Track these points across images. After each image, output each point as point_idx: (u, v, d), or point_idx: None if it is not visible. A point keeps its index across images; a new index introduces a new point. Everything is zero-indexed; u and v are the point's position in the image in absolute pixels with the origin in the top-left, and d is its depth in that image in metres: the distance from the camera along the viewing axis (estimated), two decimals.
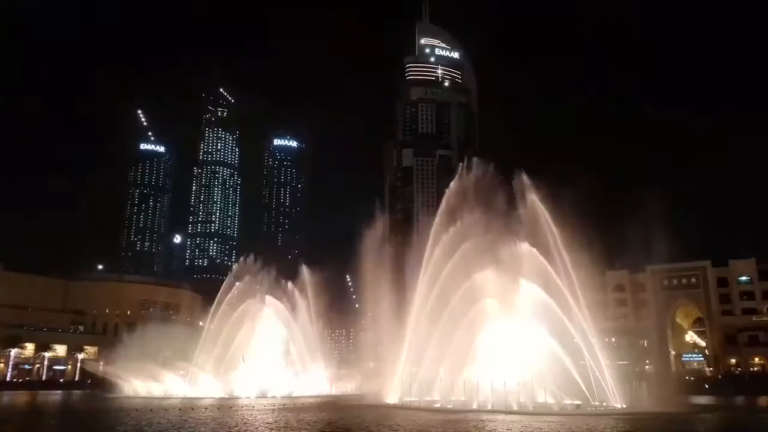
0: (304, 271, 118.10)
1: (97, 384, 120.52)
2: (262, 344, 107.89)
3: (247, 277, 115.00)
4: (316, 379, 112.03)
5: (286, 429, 48.52)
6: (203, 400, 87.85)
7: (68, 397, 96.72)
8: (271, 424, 52.65)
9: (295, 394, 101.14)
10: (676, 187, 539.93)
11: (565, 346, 70.22)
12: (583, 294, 72.07)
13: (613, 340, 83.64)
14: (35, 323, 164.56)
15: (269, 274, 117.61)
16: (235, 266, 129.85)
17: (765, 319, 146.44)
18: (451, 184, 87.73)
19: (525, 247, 72.56)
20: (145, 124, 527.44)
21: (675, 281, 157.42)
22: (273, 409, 68.89)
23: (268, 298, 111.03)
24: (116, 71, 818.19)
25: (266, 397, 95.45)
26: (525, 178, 76.14)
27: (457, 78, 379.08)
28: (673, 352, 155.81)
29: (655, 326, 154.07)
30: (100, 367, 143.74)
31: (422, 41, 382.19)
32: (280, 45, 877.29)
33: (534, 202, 74.84)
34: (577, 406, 67.16)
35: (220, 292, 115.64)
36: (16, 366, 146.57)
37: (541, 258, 71.36)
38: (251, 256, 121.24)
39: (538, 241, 73.01)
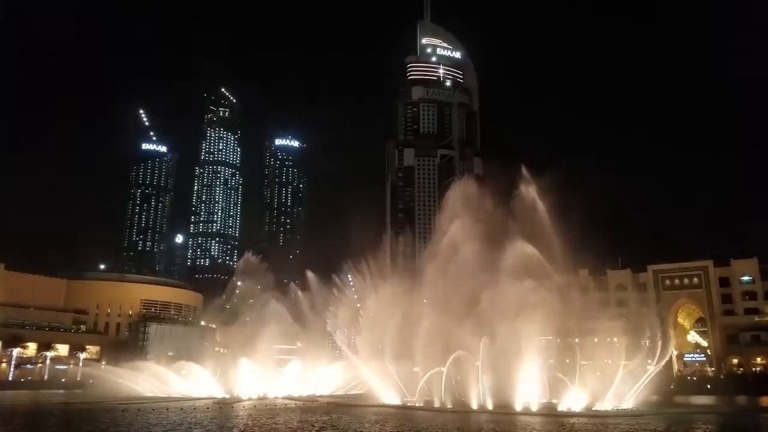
0: (310, 276, 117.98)
1: (98, 384, 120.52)
2: (266, 346, 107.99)
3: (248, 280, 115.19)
4: (317, 380, 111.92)
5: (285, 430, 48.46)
6: (205, 400, 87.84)
7: (70, 396, 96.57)
8: (267, 426, 52.59)
9: (295, 395, 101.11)
10: (679, 187, 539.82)
11: (566, 347, 70.19)
12: (585, 293, 72.01)
13: (615, 339, 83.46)
14: (37, 323, 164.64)
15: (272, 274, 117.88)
16: (237, 265, 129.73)
17: (767, 319, 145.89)
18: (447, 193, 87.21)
19: (528, 249, 72.35)
20: (146, 123, 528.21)
21: (677, 281, 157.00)
22: (273, 410, 68.83)
23: (273, 302, 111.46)
24: (117, 71, 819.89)
25: (267, 398, 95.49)
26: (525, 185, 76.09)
27: (459, 78, 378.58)
28: (675, 352, 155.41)
29: (656, 326, 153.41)
30: (102, 367, 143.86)
31: (424, 41, 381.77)
32: (282, 45, 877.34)
33: (536, 205, 74.72)
34: (580, 406, 67.00)
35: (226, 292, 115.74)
36: (18, 365, 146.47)
37: (543, 259, 71.27)
38: (256, 256, 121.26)
39: (538, 241, 72.92)
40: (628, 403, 69.41)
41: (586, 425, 50.61)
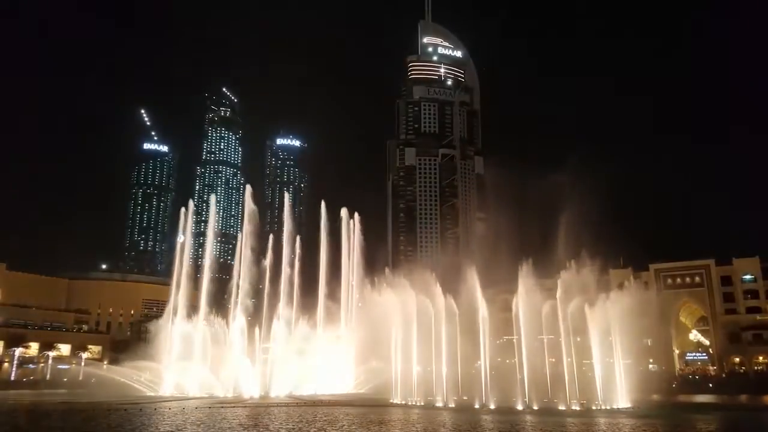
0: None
1: (100, 383, 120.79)
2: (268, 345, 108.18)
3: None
4: (319, 379, 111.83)
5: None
6: (207, 399, 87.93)
7: (71, 396, 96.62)
8: (261, 427, 52.54)
9: (296, 393, 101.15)
10: (680, 185, 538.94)
11: (568, 345, 70.14)
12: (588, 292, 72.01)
13: (617, 338, 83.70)
14: (39, 322, 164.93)
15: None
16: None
17: None
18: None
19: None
20: (148, 123, 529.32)
21: (678, 280, 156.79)
22: (274, 410, 68.80)
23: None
24: (119, 71, 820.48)
25: (269, 397, 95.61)
26: None
27: (460, 77, 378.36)
28: (677, 351, 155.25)
29: (658, 325, 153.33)
30: (104, 367, 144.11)
31: (425, 40, 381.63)
32: (283, 44, 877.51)
33: None
34: (582, 405, 66.96)
35: None
36: (20, 365, 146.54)
37: None
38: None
39: (540, 240, 72.87)
40: (629, 402, 69.34)
41: (584, 424, 50.56)
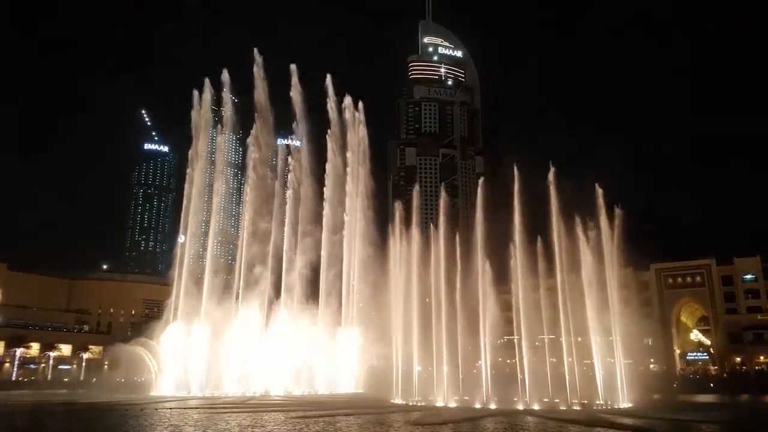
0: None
1: (103, 383, 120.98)
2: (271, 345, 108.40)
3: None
4: (320, 379, 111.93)
5: None
6: (207, 399, 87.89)
7: (72, 396, 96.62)
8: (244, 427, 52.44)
9: (295, 393, 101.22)
10: (680, 185, 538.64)
11: (570, 344, 70.17)
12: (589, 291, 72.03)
13: (617, 338, 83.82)
14: (40, 323, 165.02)
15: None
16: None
17: None
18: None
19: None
20: (148, 123, 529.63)
21: (679, 279, 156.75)
22: (272, 410, 68.77)
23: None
24: (120, 71, 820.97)
25: (270, 396, 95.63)
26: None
27: (460, 77, 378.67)
28: (677, 351, 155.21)
29: (659, 325, 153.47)
30: (105, 367, 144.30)
31: (425, 40, 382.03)
32: (283, 44, 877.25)
33: None
34: (583, 405, 66.97)
35: None
36: (21, 365, 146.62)
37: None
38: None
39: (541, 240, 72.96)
40: (630, 401, 69.36)
41: (586, 425, 50.55)
